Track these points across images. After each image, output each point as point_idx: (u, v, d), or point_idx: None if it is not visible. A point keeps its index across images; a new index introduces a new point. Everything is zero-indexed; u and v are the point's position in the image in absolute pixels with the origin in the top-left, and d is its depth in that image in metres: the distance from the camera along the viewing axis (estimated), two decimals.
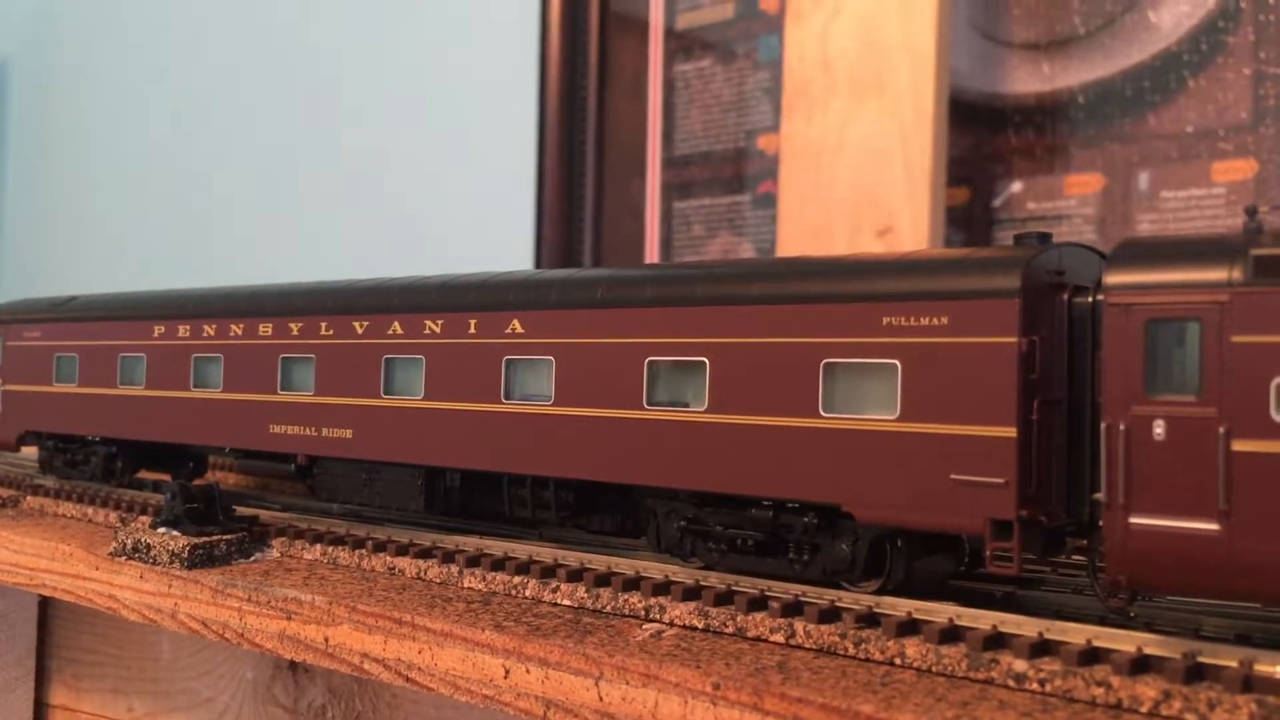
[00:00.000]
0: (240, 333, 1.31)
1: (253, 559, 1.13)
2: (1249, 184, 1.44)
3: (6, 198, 3.29)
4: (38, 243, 3.18)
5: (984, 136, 1.63)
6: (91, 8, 3.02)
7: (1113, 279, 0.72)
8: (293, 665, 1.27)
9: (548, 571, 0.98)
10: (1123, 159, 1.52)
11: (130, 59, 2.90)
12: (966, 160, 1.64)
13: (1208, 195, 1.47)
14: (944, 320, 0.80)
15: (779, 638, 0.81)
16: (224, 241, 2.59)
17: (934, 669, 0.74)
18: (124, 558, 1.13)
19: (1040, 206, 1.60)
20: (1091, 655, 0.71)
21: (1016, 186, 1.61)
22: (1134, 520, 0.70)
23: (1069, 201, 1.57)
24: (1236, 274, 0.67)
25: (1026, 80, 1.60)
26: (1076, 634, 0.74)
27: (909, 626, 0.78)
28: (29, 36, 3.22)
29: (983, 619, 0.78)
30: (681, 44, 1.93)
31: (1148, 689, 0.66)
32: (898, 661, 0.76)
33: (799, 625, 0.81)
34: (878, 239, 1.54)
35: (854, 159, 1.56)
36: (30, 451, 1.72)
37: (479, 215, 2.13)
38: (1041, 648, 0.73)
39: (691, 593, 0.89)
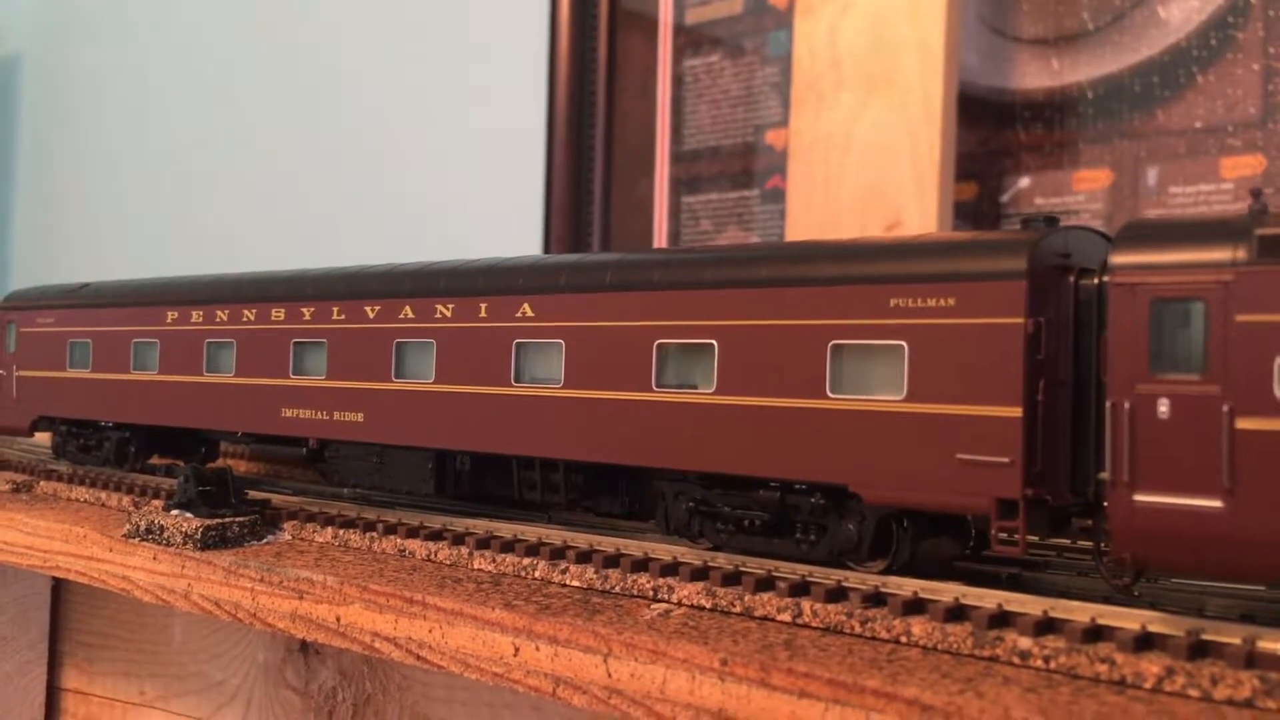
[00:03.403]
0: (253, 318, 1.32)
1: (265, 541, 1.14)
2: (1258, 180, 1.44)
3: (19, 188, 3.31)
4: (50, 232, 3.20)
5: (992, 132, 1.63)
6: (102, 4, 3.04)
7: (1118, 259, 0.73)
8: (304, 648, 1.28)
9: (557, 553, 0.99)
10: (1131, 155, 1.53)
11: (140, 54, 2.91)
12: (975, 155, 1.64)
13: (1216, 191, 1.47)
14: (951, 302, 0.81)
15: (786, 617, 0.82)
16: (234, 234, 2.60)
17: (939, 647, 0.75)
18: (138, 539, 1.14)
19: (1048, 202, 1.60)
20: (1095, 633, 0.71)
21: (1025, 182, 1.62)
22: (1138, 498, 0.71)
23: (1077, 197, 1.57)
24: (1241, 254, 0.68)
25: (1035, 76, 1.60)
26: (1081, 612, 0.75)
27: (915, 605, 0.79)
28: (41, 32, 3.24)
29: (988, 598, 0.79)
30: (690, 39, 1.94)
31: (1151, 665, 0.67)
32: (903, 640, 0.76)
33: (806, 604, 0.81)
34: (885, 234, 1.54)
35: (862, 154, 1.57)
36: (44, 437, 1.74)
37: (488, 210, 2.14)
38: (1046, 626, 0.73)
39: (699, 573, 0.89)
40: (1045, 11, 1.59)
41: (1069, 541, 0.97)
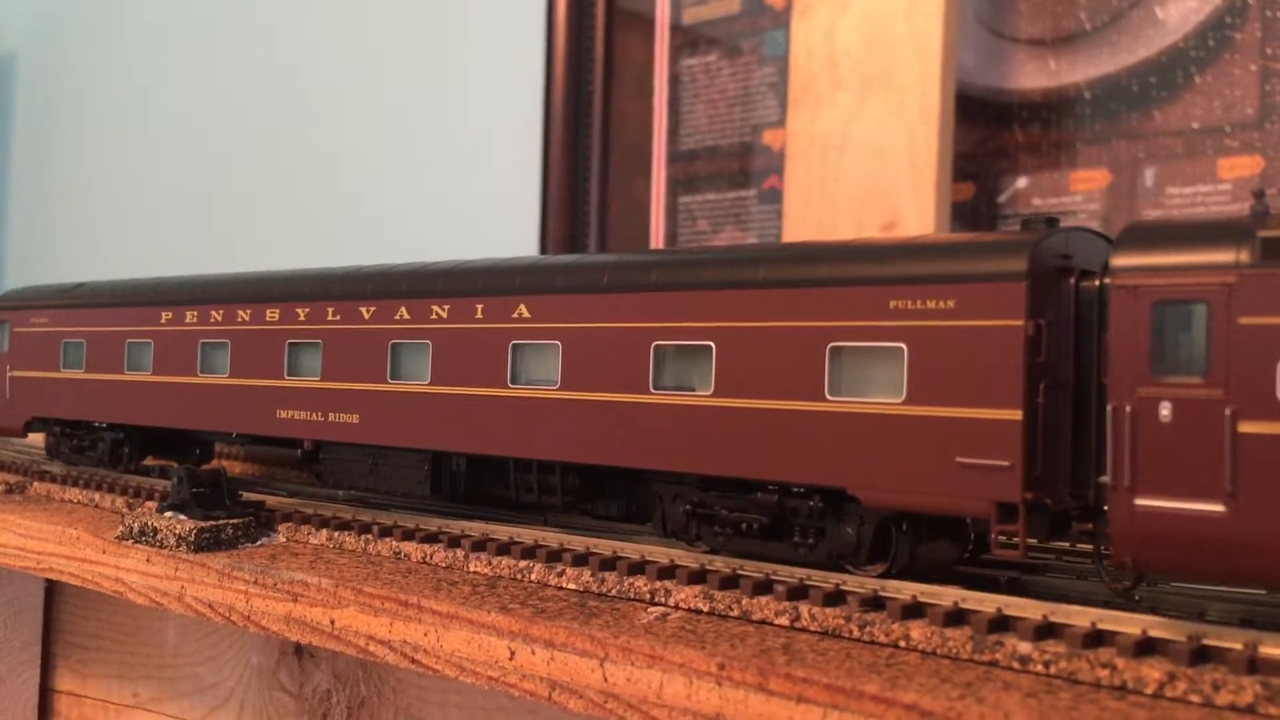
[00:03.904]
0: (247, 318, 1.32)
1: (259, 543, 1.13)
2: (1255, 180, 1.44)
3: (15, 188, 3.30)
4: (46, 232, 3.19)
5: (990, 132, 1.63)
6: (98, 3, 3.03)
7: (1120, 261, 0.72)
8: (298, 650, 1.27)
9: (553, 556, 0.98)
10: (1129, 155, 1.52)
11: (137, 53, 2.91)
12: (972, 156, 1.63)
13: (1214, 191, 1.47)
14: (951, 303, 0.81)
15: (784, 621, 0.81)
16: (233, 234, 2.59)
17: (939, 651, 0.74)
18: (131, 541, 1.13)
19: (1046, 203, 1.60)
20: (1096, 638, 0.71)
21: (1022, 182, 1.61)
22: (1140, 502, 0.70)
23: (1075, 198, 1.57)
24: (1244, 256, 0.67)
25: (1033, 76, 1.60)
26: (1081, 617, 0.74)
27: (914, 609, 0.78)
28: (36, 31, 3.23)
29: (987, 602, 0.78)
30: (687, 39, 1.93)
31: (1152, 671, 0.66)
32: (902, 644, 0.76)
33: (804, 608, 0.81)
34: (882, 234, 1.54)
35: (859, 154, 1.56)
36: (38, 438, 1.73)
37: (484, 209, 2.14)
38: (1046, 630, 0.73)
39: (697, 576, 0.89)
40: (1043, 12, 1.59)
41: (1069, 544, 0.97)
